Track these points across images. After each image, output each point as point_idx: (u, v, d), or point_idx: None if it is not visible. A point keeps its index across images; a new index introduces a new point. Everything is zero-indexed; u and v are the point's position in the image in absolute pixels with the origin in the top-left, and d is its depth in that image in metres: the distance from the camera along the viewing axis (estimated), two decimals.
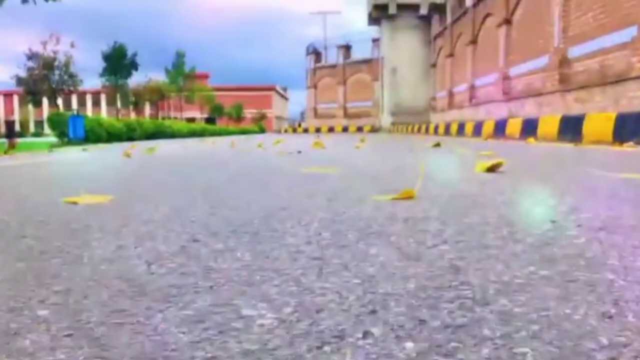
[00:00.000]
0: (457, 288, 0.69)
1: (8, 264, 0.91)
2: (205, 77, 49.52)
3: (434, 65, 22.45)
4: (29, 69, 28.47)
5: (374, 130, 25.99)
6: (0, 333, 0.58)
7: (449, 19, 19.01)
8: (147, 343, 0.54)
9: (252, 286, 0.73)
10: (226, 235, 1.10)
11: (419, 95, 23.10)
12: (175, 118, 35.69)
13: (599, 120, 6.61)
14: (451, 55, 18.83)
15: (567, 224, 1.13)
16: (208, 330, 0.58)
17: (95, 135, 12.96)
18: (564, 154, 4.37)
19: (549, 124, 7.98)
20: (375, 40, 28.29)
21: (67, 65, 28.46)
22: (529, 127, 8.63)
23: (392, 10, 22.92)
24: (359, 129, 27.71)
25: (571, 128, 7.16)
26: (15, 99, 50.16)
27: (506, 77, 13.09)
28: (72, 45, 28.40)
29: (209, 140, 13.71)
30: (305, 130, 31.23)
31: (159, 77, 37.70)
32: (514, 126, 9.43)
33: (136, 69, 30.68)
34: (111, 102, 37.63)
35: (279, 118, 58.78)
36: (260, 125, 45.04)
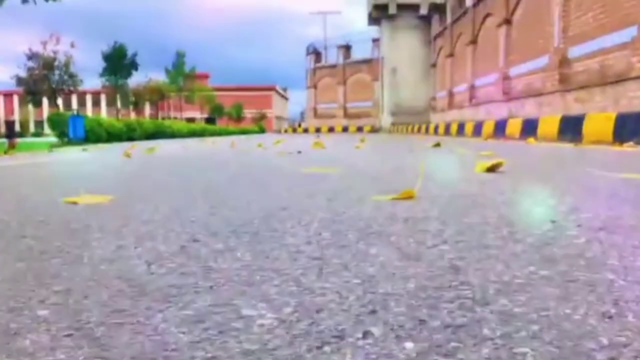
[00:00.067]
0: (457, 288, 0.69)
1: (8, 264, 0.91)
2: (206, 77, 49.52)
3: (434, 65, 22.45)
4: (29, 69, 28.47)
5: (374, 130, 25.99)
6: (0, 333, 0.58)
7: (449, 19, 19.01)
8: (147, 343, 0.54)
9: (252, 286, 0.73)
10: (226, 235, 1.10)
11: (419, 96, 23.10)
12: (175, 118, 35.68)
13: (599, 120, 6.61)
14: (451, 55, 18.83)
15: (567, 224, 1.13)
16: (208, 330, 0.58)
17: (95, 135, 12.96)
18: (564, 154, 4.37)
19: (549, 124, 7.98)
20: (375, 40, 28.28)
21: (67, 65, 28.46)
22: (529, 127, 8.63)
23: (392, 10, 22.92)
24: (359, 129, 27.71)
25: (571, 128, 7.16)
26: (16, 99, 50.17)
27: (506, 77, 13.09)
28: (72, 45, 28.42)
29: (209, 140, 13.71)
30: (305, 130, 31.23)
31: (159, 77, 37.72)
32: (514, 126, 9.43)
33: (136, 69, 30.69)
34: (111, 102, 37.64)
35: (279, 118, 58.79)
36: (260, 125, 45.04)
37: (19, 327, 0.60)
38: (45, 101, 33.10)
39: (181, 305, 0.66)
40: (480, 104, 14.80)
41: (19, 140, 12.71)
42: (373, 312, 0.61)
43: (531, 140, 7.58)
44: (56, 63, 28.20)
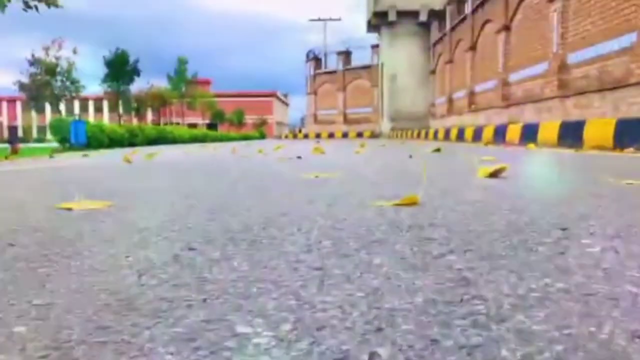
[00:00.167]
0: (469, 302, 0.64)
1: None
2: (207, 83, 49.79)
3: (433, 72, 22.57)
4: (32, 75, 28.61)
5: (374, 136, 26.03)
6: None
7: (448, 26, 19.15)
8: None
9: (248, 299, 0.69)
10: (223, 243, 1.06)
11: (418, 101, 23.18)
12: (178, 124, 35.78)
13: (600, 125, 6.60)
14: (450, 61, 18.93)
15: (578, 231, 1.09)
16: (198, 350, 0.53)
17: (97, 140, 12.95)
18: (565, 159, 4.33)
19: (549, 130, 7.97)
20: (375, 47, 28.47)
21: (69, 71, 28.61)
22: (529, 133, 8.62)
23: (392, 17, 23.11)
24: (359, 135, 27.76)
25: (571, 134, 7.14)
26: (19, 104, 50.38)
27: (505, 83, 13.13)
28: (75, 52, 28.60)
29: (210, 146, 13.70)
30: (306, 136, 31.28)
31: (161, 84, 37.91)
32: (513, 132, 9.42)
33: (138, 75, 30.86)
34: (113, 108, 37.77)
35: (279, 124, 58.97)
36: (261, 131, 45.13)
37: None
38: (47, 107, 33.20)
39: (171, 322, 0.61)
40: (480, 109, 14.82)
41: (21, 145, 12.70)
42: (379, 330, 0.56)
43: (531, 145, 7.56)
44: (58, 69, 28.35)
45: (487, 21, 14.67)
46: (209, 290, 0.73)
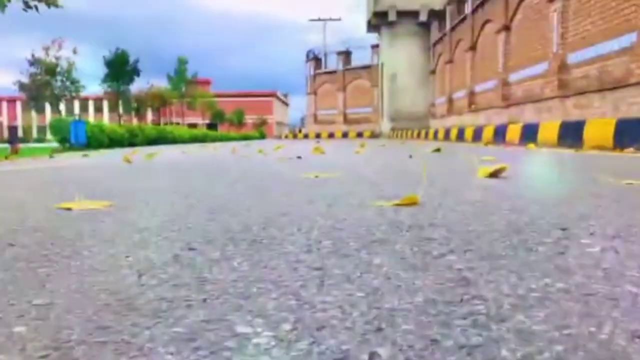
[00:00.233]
0: (469, 302, 0.64)
1: None
2: (207, 83, 49.75)
3: (433, 72, 22.57)
4: (32, 75, 28.60)
5: (374, 136, 26.03)
6: None
7: (448, 26, 19.15)
8: None
9: (248, 299, 0.69)
10: (223, 243, 1.06)
11: (418, 101, 23.18)
12: (178, 124, 35.78)
13: (600, 125, 6.60)
14: (450, 61, 18.93)
15: (578, 231, 1.09)
16: (198, 350, 0.53)
17: (97, 140, 12.94)
18: (565, 159, 4.33)
19: (549, 130, 7.97)
20: (375, 47, 28.46)
21: (69, 71, 28.60)
22: (529, 133, 8.62)
23: (392, 17, 23.11)
24: (359, 135, 27.76)
25: (571, 134, 7.14)
26: (19, 104, 50.34)
27: (505, 83, 13.14)
28: (75, 52, 28.59)
29: (210, 146, 13.70)
30: (306, 136, 31.27)
31: (161, 84, 37.90)
32: (513, 132, 9.42)
33: (138, 75, 30.84)
34: (113, 108, 37.79)
35: (279, 124, 58.95)
36: (261, 131, 45.13)
37: None
38: (47, 107, 33.19)
39: (171, 322, 0.61)
40: (480, 109, 14.82)
41: (21, 145, 12.70)
42: (379, 330, 0.56)
43: (531, 145, 7.56)
44: (58, 69, 28.34)
45: (487, 21, 14.67)
46: (208, 290, 0.73)
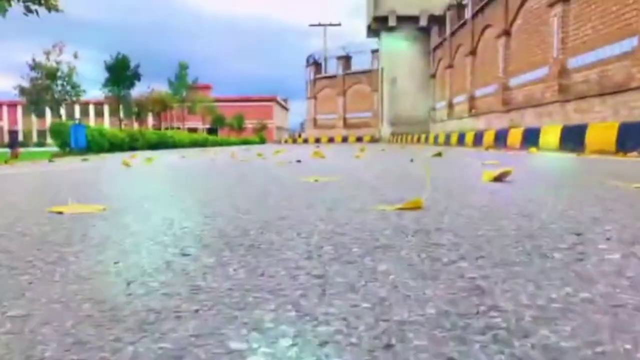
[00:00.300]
0: (486, 315, 0.58)
1: None
2: (208, 88, 49.92)
3: (433, 76, 22.64)
4: (32, 79, 28.69)
5: (374, 140, 26.04)
6: None
7: (448, 31, 19.24)
8: None
9: (244, 310, 0.63)
10: (219, 248, 1.00)
11: (418, 106, 23.22)
12: (178, 128, 35.83)
13: (602, 129, 6.56)
14: (450, 66, 18.99)
15: (593, 236, 1.03)
16: None
17: (97, 145, 12.91)
18: (569, 163, 4.28)
19: (551, 134, 7.93)
20: (375, 52, 28.58)
21: (69, 75, 28.70)
22: (530, 137, 8.59)
23: (392, 22, 23.23)
24: (359, 139, 27.77)
25: (573, 138, 7.11)
26: (19, 109, 50.47)
27: (506, 88, 13.15)
28: (76, 56, 28.71)
29: (210, 150, 13.69)
30: (305, 141, 31.29)
31: (162, 88, 38.02)
32: (514, 136, 9.39)
33: (139, 80, 30.93)
34: (114, 113, 37.86)
35: (279, 128, 59.06)
36: (261, 135, 45.19)
37: None
38: (48, 111, 33.25)
39: (157, 336, 0.55)
40: (480, 114, 14.82)
41: (21, 150, 12.66)
42: (388, 346, 0.50)
43: (533, 149, 7.52)
44: (59, 73, 28.43)
45: (487, 26, 14.73)
46: (201, 300, 0.68)
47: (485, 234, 1.08)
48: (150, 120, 44.57)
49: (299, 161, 5.00)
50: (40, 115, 36.90)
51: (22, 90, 29.03)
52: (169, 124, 41.41)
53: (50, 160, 7.75)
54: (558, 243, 0.97)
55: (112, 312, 0.64)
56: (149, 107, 38.69)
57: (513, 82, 12.86)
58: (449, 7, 19.09)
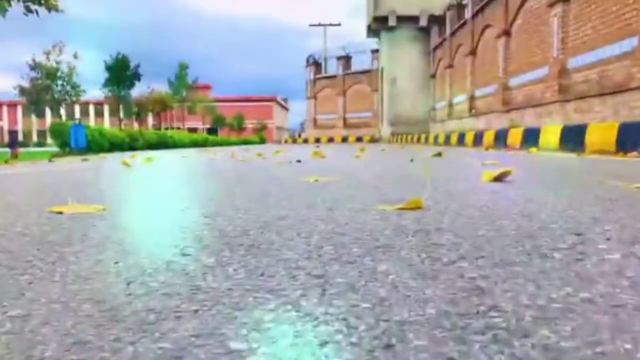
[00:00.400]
0: (486, 315, 0.58)
1: None
2: (208, 88, 49.91)
3: (433, 76, 22.63)
4: (32, 79, 28.69)
5: (374, 140, 26.03)
6: None
7: (448, 31, 19.24)
8: None
9: (244, 311, 0.63)
10: (219, 248, 1.00)
11: (418, 106, 23.22)
12: (178, 128, 35.81)
13: (602, 129, 6.56)
14: (450, 66, 18.99)
15: (593, 236, 1.03)
16: None
17: (97, 145, 12.91)
18: (569, 163, 4.28)
19: (551, 134, 7.93)
20: (375, 52, 28.58)
21: (69, 75, 28.69)
22: (530, 137, 8.59)
23: (392, 22, 23.23)
24: (359, 139, 27.77)
25: (573, 138, 7.11)
26: (19, 109, 50.48)
27: (506, 88, 13.15)
28: (75, 56, 28.71)
29: (210, 150, 13.68)
30: (305, 141, 31.29)
31: (162, 88, 38.02)
32: (514, 136, 9.39)
33: (139, 80, 30.92)
34: (114, 113, 37.85)
35: (279, 128, 59.06)
36: (261, 135, 45.19)
37: None
38: (48, 111, 33.26)
39: (157, 336, 0.55)
40: (480, 114, 14.82)
41: (21, 150, 12.66)
42: (389, 346, 0.50)
43: (533, 149, 7.52)
44: (59, 73, 28.43)
45: (487, 26, 14.73)
46: (201, 300, 0.68)
47: (485, 234, 1.08)
48: (150, 120, 44.58)
49: (299, 161, 5.00)
50: (40, 115, 36.93)
51: (22, 90, 29.04)
52: (169, 124, 41.41)
53: (50, 160, 7.75)
54: (558, 243, 0.97)
55: (112, 312, 0.64)
56: (149, 107, 38.67)
57: (513, 82, 12.85)
58: (449, 7, 19.09)
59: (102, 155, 10.85)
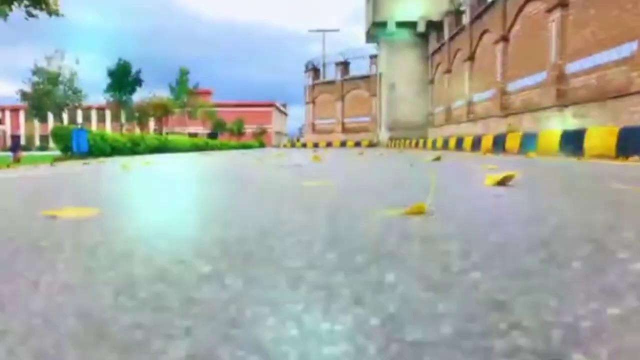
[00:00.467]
0: (508, 334, 0.53)
1: None
2: (208, 93, 50.05)
3: (431, 81, 22.74)
4: (34, 84, 28.70)
5: (372, 145, 26.06)
6: None
7: (446, 36, 19.36)
8: None
9: (241, 328, 0.57)
10: (215, 256, 0.95)
11: (417, 111, 23.29)
12: (179, 133, 35.79)
13: (602, 134, 6.55)
14: (449, 71, 19.08)
15: (610, 245, 0.98)
16: None
17: (99, 149, 12.87)
18: (570, 167, 4.25)
19: (550, 138, 7.92)
20: (373, 57, 28.73)
21: (71, 80, 28.73)
22: (529, 142, 8.58)
23: (391, 27, 23.39)
24: (357, 144, 27.78)
25: (572, 142, 7.09)
26: (21, 114, 50.41)
27: (504, 93, 13.18)
28: (77, 62, 28.79)
29: (210, 154, 13.64)
30: (304, 145, 31.30)
31: (163, 94, 38.09)
32: (513, 140, 9.38)
33: (140, 85, 30.98)
34: (116, 118, 37.86)
35: (278, 133, 59.16)
36: (260, 140, 45.25)
37: None
38: (50, 116, 33.23)
39: (144, 359, 0.50)
40: (478, 119, 14.85)
41: (24, 154, 12.62)
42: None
43: (532, 154, 7.50)
44: (61, 78, 28.47)
45: (485, 31, 14.82)
46: (194, 314, 0.62)
47: (495, 241, 1.03)
48: (151, 125, 44.60)
49: (298, 165, 4.96)
50: (43, 119, 36.87)
51: (24, 95, 29.02)
52: (170, 129, 41.44)
53: (52, 164, 7.70)
54: (574, 251, 0.92)
55: (98, 328, 0.58)
56: (150, 112, 38.69)
57: (511, 87, 12.90)
58: (447, 14, 19.24)
59: (103, 159, 10.79)
